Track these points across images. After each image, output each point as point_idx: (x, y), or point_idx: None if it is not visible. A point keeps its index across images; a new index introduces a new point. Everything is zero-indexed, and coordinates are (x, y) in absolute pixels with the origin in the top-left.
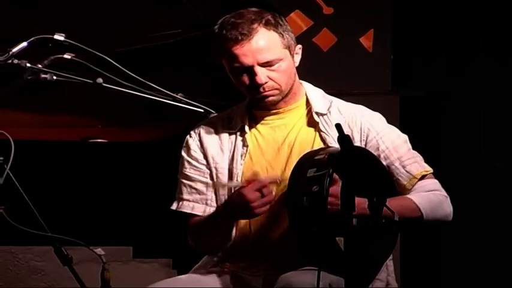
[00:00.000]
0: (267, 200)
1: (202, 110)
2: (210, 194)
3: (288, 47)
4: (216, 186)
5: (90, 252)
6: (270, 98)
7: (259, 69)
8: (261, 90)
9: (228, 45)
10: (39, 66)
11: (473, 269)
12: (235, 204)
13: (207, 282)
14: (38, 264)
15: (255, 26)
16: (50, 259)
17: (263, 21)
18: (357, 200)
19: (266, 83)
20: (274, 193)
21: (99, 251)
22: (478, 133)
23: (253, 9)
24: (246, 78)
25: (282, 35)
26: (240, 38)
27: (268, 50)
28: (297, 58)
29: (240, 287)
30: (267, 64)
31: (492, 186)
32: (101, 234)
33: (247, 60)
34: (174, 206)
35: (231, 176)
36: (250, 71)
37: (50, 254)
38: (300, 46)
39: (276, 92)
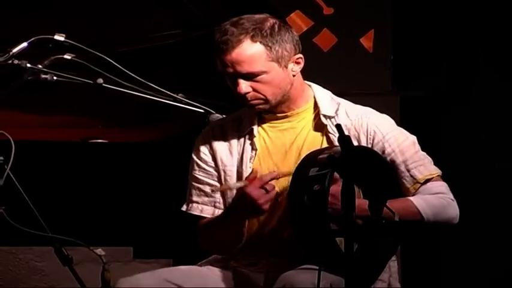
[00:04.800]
0: (271, 195)
1: (202, 111)
2: (218, 197)
3: (277, 59)
4: (221, 189)
5: (90, 252)
6: (257, 107)
7: (241, 80)
8: (244, 99)
9: (215, 51)
10: (40, 66)
11: (474, 269)
12: (242, 204)
13: (209, 276)
14: (38, 264)
15: (241, 37)
16: (50, 259)
17: (252, 32)
18: (358, 201)
19: (248, 93)
20: (276, 188)
21: (100, 251)
22: (479, 133)
23: (258, 15)
24: (232, 85)
25: (270, 47)
26: (221, 47)
27: (250, 62)
28: (296, 67)
29: (241, 283)
30: (249, 75)
31: (493, 186)
32: (102, 235)
33: (228, 69)
34: (184, 208)
35: (239, 179)
36: (234, 79)
37: (50, 254)
38: (300, 56)
39: (261, 102)
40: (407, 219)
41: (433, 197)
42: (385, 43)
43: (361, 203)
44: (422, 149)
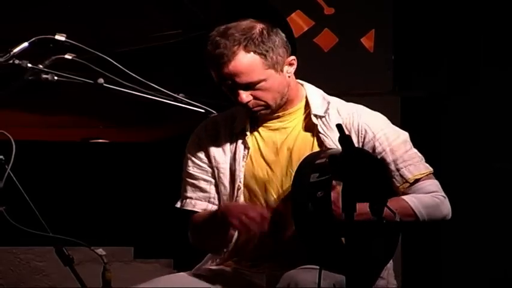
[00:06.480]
0: (244, 225)
1: (203, 111)
2: (213, 192)
3: (273, 66)
4: None
5: (91, 252)
6: (259, 113)
7: (240, 90)
8: (247, 108)
9: (210, 65)
10: (40, 66)
11: (474, 269)
12: (231, 206)
13: (207, 281)
14: (39, 264)
15: (235, 49)
16: (51, 259)
17: (244, 42)
18: (359, 205)
19: (249, 101)
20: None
21: (100, 251)
22: (479, 133)
23: (244, 23)
24: (232, 95)
25: (265, 56)
26: (217, 61)
27: (247, 73)
28: (291, 68)
29: (242, 285)
30: (248, 85)
31: (492, 186)
32: (102, 235)
33: (227, 82)
34: (178, 204)
35: (233, 177)
36: (233, 90)
37: (51, 254)
38: (293, 58)
39: (263, 108)
40: (402, 219)
41: (427, 196)
42: (385, 43)
43: (361, 206)
44: (423, 149)
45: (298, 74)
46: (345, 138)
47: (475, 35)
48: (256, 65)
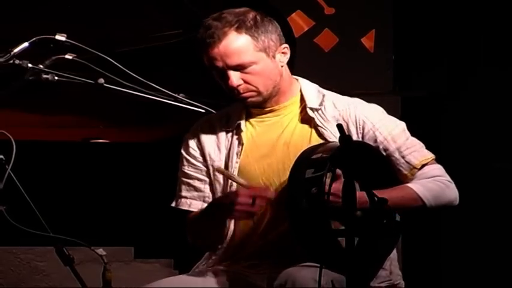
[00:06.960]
0: (251, 210)
1: (203, 111)
2: (208, 192)
3: (264, 49)
4: (224, 172)
5: (91, 252)
6: (249, 100)
7: (231, 72)
8: (237, 92)
9: (201, 47)
10: (41, 66)
11: (474, 268)
12: (223, 200)
13: (207, 283)
14: (39, 264)
15: (226, 29)
16: (51, 259)
17: (236, 24)
18: (358, 193)
19: (240, 85)
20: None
21: (101, 251)
22: (479, 133)
23: (239, 9)
24: (222, 80)
25: (257, 38)
26: (208, 41)
27: (238, 53)
28: (284, 57)
29: (242, 285)
30: (239, 67)
31: (492, 186)
32: (103, 235)
33: (217, 63)
34: (173, 204)
35: None
36: (224, 73)
37: (52, 254)
38: (286, 45)
39: (254, 93)
40: (409, 206)
41: (431, 181)
42: (386, 43)
43: (360, 195)
44: None
45: (298, 74)
46: (345, 138)
47: (475, 35)
48: (247, 46)
